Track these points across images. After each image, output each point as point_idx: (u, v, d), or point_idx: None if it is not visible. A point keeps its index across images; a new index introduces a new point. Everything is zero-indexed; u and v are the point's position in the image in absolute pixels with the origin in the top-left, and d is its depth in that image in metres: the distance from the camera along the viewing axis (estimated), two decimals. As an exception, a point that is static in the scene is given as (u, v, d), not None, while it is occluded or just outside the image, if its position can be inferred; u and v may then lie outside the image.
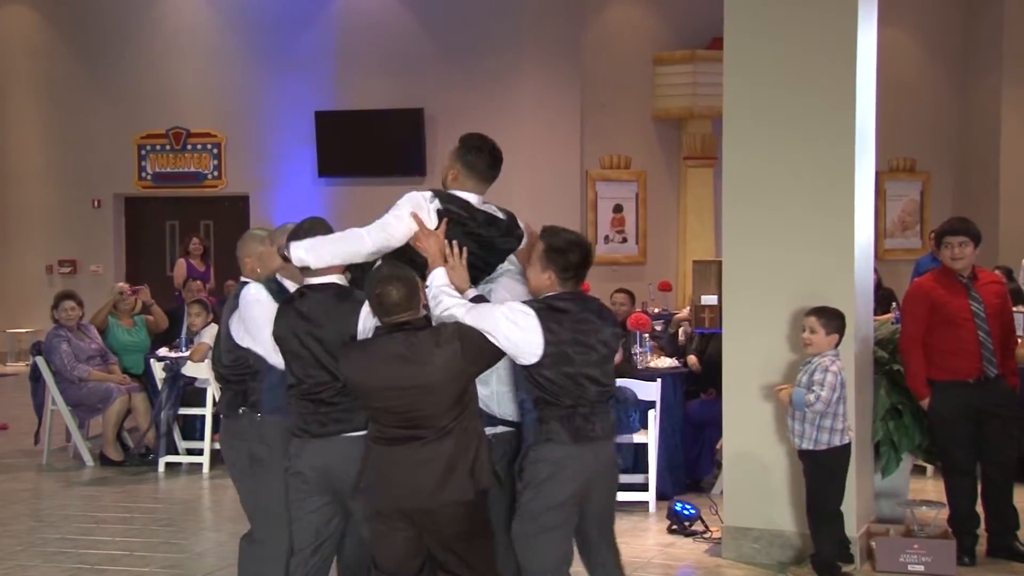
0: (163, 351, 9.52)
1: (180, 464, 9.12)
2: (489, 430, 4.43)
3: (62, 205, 16.71)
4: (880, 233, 15.25)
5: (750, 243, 6.30)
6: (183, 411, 9.14)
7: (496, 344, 4.21)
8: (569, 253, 4.31)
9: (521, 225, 4.74)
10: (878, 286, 7.84)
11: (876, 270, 7.53)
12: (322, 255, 4.44)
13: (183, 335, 9.62)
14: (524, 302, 4.32)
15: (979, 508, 6.32)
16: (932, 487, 7.83)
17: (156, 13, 16.44)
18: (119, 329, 9.84)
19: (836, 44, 6.15)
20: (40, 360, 9.23)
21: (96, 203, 16.65)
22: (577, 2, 15.32)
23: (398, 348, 4.15)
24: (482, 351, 4.20)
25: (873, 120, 6.53)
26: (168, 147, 16.48)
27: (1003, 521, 6.28)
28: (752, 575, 6.10)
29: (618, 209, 15.65)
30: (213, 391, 8.93)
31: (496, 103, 15.20)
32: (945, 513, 6.31)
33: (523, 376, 4.32)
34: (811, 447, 5.74)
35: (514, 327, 4.20)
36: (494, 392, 4.52)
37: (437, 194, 4.53)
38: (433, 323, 4.31)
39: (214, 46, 16.27)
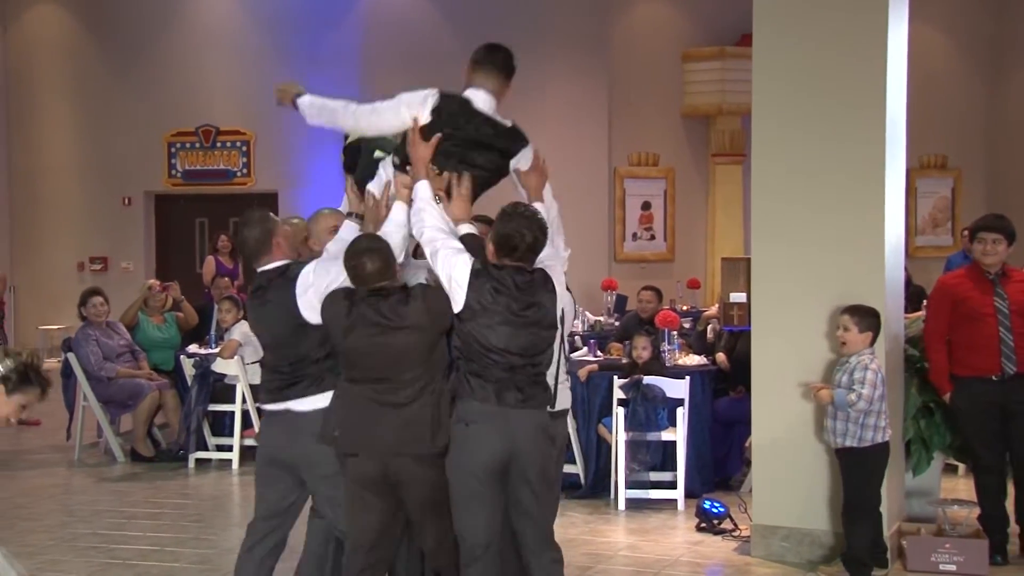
0: (193, 348, 9.57)
1: (210, 460, 9.17)
2: None
3: (93, 202, 16.82)
4: (911, 230, 15.15)
5: (779, 241, 6.27)
6: (213, 407, 9.18)
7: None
8: (513, 238, 4.41)
9: (528, 142, 4.74)
10: (908, 283, 7.78)
11: (906, 268, 7.48)
12: (322, 115, 4.89)
13: (213, 332, 9.66)
14: (475, 260, 4.45)
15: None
16: (964, 486, 7.77)
17: (185, 12, 16.53)
18: (149, 326, 9.90)
19: (866, 42, 6.11)
20: (71, 356, 9.29)
21: (126, 200, 16.75)
22: (605, -1, 15.30)
23: (372, 317, 4.36)
24: (445, 308, 4.39)
25: (904, 117, 6.48)
26: (198, 144, 16.57)
27: None
28: (781, 573, 6.08)
29: (646, 206, 15.61)
30: (243, 388, 8.97)
31: (523, 100, 15.02)
32: (977, 512, 6.26)
33: (454, 336, 4.45)
34: (855, 444, 5.70)
35: (452, 267, 4.38)
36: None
37: (443, 93, 4.69)
38: (411, 232, 4.54)
39: (243, 44, 16.35)
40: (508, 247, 4.41)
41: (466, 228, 4.59)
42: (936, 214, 16.22)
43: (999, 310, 6.13)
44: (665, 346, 8.20)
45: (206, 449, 9.20)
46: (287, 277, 4.58)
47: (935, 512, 6.39)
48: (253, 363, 9.17)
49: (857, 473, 5.75)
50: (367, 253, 4.38)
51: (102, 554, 6.55)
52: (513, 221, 4.41)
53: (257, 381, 9.10)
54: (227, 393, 9.12)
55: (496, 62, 4.75)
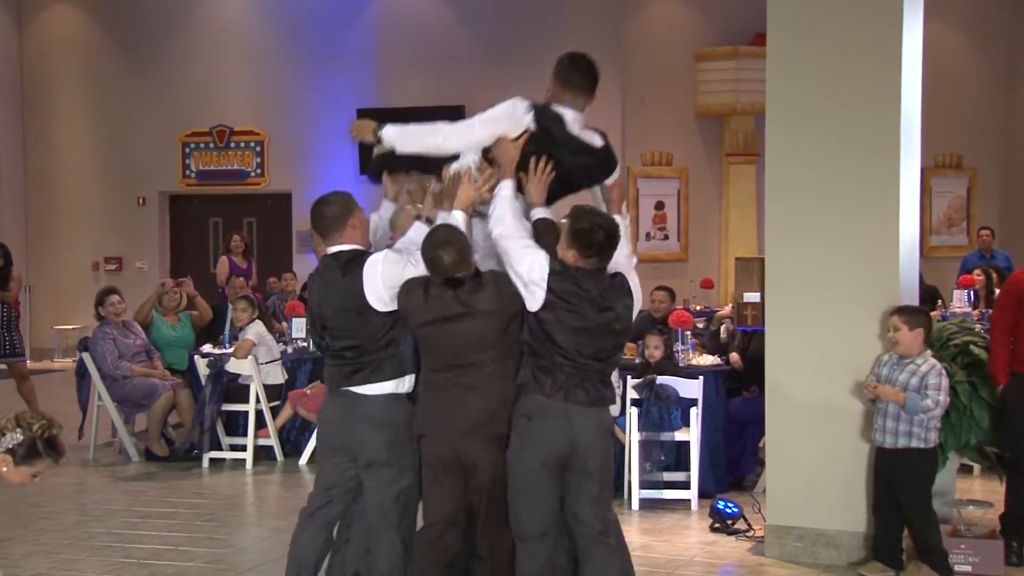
0: (207, 347, 9.58)
1: (223, 460, 9.19)
2: None
3: (108, 203, 16.90)
4: (925, 230, 15.08)
5: (793, 240, 6.25)
6: (226, 407, 9.20)
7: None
8: (592, 234, 4.48)
9: (617, 163, 4.88)
10: (920, 283, 7.76)
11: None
12: (409, 140, 4.79)
13: (227, 331, 9.68)
14: (552, 260, 4.52)
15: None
16: (979, 486, 7.75)
17: (200, 12, 16.58)
18: (163, 324, 9.91)
19: (881, 42, 6.08)
20: (86, 356, 9.32)
21: (141, 200, 16.82)
22: (619, -2, 15.29)
23: (447, 304, 4.49)
24: (514, 292, 4.49)
25: (919, 117, 6.45)
26: (212, 145, 16.62)
27: None
28: (795, 574, 6.06)
29: (660, 206, 15.60)
30: (256, 387, 8.99)
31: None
32: (993, 513, 6.23)
33: (525, 325, 4.52)
34: (921, 445, 5.70)
35: (529, 268, 4.45)
36: None
37: (535, 106, 4.73)
38: (487, 225, 4.64)
39: (257, 45, 16.39)
40: (585, 243, 4.46)
41: (540, 212, 4.67)
42: (951, 214, 16.14)
43: None
44: (678, 346, 8.19)
45: (220, 449, 9.22)
46: (357, 264, 4.64)
47: (950, 513, 6.37)
48: (267, 363, 9.20)
49: (920, 473, 5.74)
50: (444, 245, 4.47)
51: (117, 553, 6.57)
52: (585, 219, 4.51)
53: (270, 381, 9.21)
54: (241, 393, 9.13)
55: (585, 80, 4.81)
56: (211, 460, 9.08)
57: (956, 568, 5.90)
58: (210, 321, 10.36)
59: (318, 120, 16.08)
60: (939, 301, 10.17)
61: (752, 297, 8.16)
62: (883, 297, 5.95)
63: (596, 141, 4.82)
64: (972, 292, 10.23)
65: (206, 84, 16.47)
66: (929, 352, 5.79)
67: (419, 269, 4.57)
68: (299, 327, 9.92)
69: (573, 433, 4.42)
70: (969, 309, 9.64)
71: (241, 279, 11.70)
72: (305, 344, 9.73)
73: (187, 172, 16.72)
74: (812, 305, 6.18)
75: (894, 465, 5.78)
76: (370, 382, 4.64)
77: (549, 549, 4.52)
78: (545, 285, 4.42)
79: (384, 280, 4.57)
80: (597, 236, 4.47)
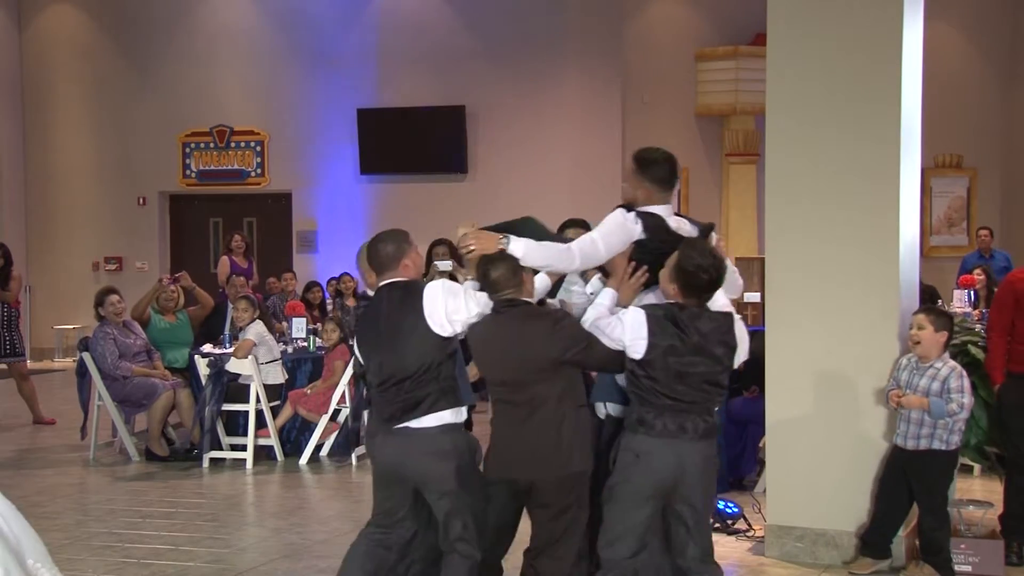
0: (207, 347, 9.58)
1: (224, 460, 9.19)
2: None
3: (108, 203, 16.90)
4: (925, 230, 15.07)
5: (793, 240, 6.24)
6: (227, 407, 9.20)
7: (605, 344, 4.57)
8: (696, 277, 4.55)
9: (714, 239, 4.95)
10: (919, 284, 7.74)
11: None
12: (539, 255, 4.76)
13: (227, 331, 9.67)
14: (643, 306, 4.60)
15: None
16: (979, 486, 7.75)
17: (200, 12, 16.58)
18: (161, 322, 9.89)
19: (881, 40, 6.08)
20: (87, 356, 9.31)
21: (141, 200, 16.82)
22: (619, -2, 15.29)
23: (502, 326, 4.62)
24: (576, 340, 4.56)
25: (919, 117, 6.45)
26: (212, 145, 16.62)
27: None
28: (795, 574, 6.06)
29: (660, 206, 15.59)
30: (256, 387, 8.99)
31: (538, 100, 15.20)
32: (993, 513, 6.23)
33: (627, 370, 4.61)
34: (942, 447, 5.70)
35: (620, 325, 4.54)
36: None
37: (638, 214, 4.86)
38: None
39: (258, 45, 16.39)
40: (688, 283, 4.54)
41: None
42: (951, 214, 16.13)
43: None
44: (679, 346, 8.17)
45: (220, 449, 9.22)
46: (416, 288, 4.71)
47: (950, 513, 6.36)
48: (267, 363, 9.20)
49: (939, 474, 5.74)
50: (494, 262, 4.62)
51: (117, 553, 6.57)
52: (693, 258, 4.55)
53: (270, 381, 9.21)
54: (241, 393, 9.13)
55: (673, 181, 5.01)
56: (211, 460, 9.08)
57: (956, 568, 5.89)
58: (211, 314, 10.37)
59: (318, 120, 16.08)
60: (939, 301, 10.17)
61: (752, 297, 8.17)
62: (883, 293, 5.95)
63: (686, 227, 4.95)
64: (972, 292, 10.23)
65: (206, 84, 16.48)
66: (947, 355, 5.77)
67: (473, 304, 4.65)
68: (299, 327, 9.94)
69: (681, 468, 4.52)
70: (969, 309, 9.63)
71: (242, 279, 11.69)
72: (305, 344, 9.75)
73: (187, 172, 16.72)
74: (812, 304, 6.17)
75: (913, 465, 5.76)
76: (431, 412, 4.63)
77: (635, 566, 4.60)
78: (647, 332, 4.48)
79: (446, 306, 4.62)
80: (700, 280, 4.54)
